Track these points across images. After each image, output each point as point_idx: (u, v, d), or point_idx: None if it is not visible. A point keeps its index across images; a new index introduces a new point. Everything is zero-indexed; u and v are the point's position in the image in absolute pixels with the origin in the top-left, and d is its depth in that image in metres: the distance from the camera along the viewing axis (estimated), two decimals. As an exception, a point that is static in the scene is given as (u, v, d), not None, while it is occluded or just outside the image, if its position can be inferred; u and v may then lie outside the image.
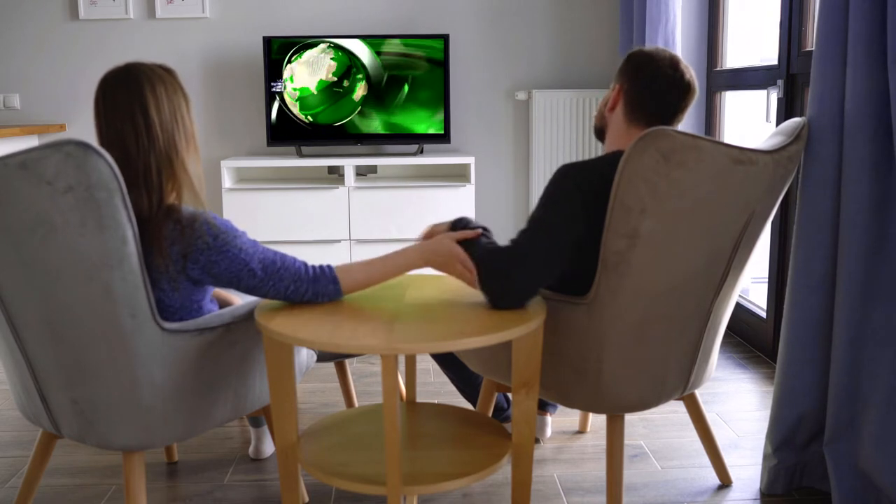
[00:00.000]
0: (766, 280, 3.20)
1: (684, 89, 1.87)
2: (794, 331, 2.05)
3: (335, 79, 3.91)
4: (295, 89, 3.90)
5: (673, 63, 1.87)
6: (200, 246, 1.70)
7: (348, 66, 3.90)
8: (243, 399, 1.92)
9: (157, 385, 1.73)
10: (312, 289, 1.77)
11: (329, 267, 1.80)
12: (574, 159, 4.11)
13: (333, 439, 1.84)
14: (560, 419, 2.62)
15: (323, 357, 2.32)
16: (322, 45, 3.88)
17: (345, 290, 1.80)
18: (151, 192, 1.71)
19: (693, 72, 1.91)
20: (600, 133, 2.01)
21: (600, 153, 1.97)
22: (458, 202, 3.84)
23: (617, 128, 1.92)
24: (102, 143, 1.74)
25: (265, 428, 2.38)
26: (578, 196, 1.77)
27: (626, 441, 2.48)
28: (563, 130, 4.09)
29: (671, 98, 1.87)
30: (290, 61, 3.89)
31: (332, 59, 3.90)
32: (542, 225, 1.76)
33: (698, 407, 2.15)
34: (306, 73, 3.90)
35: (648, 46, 1.94)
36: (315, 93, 3.91)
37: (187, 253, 1.70)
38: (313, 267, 1.79)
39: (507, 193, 4.30)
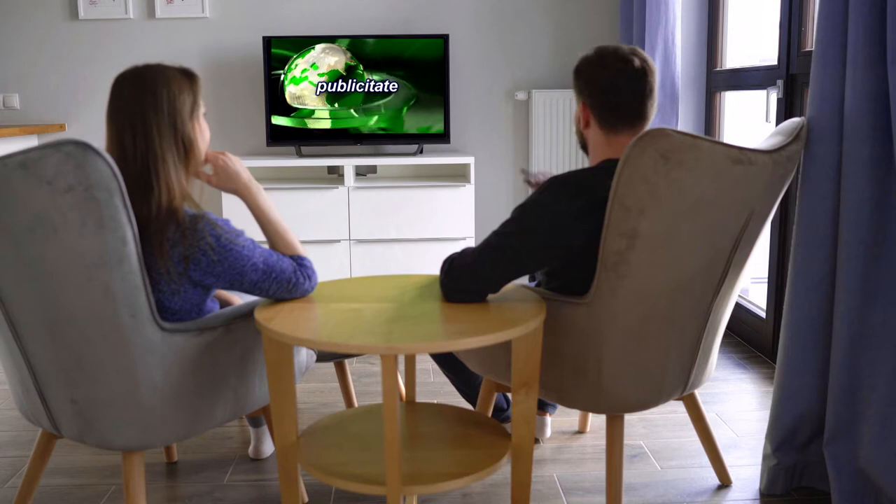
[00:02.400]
0: (766, 280, 3.20)
1: (641, 75, 1.85)
2: (793, 331, 2.05)
3: (335, 79, 3.91)
4: (304, 78, 3.90)
5: (620, 56, 1.85)
6: (203, 247, 1.70)
7: (348, 65, 3.90)
8: (243, 399, 1.92)
9: (157, 385, 1.73)
10: (304, 272, 1.83)
11: (305, 259, 1.86)
12: (573, 159, 4.11)
13: (333, 439, 1.84)
14: (560, 419, 2.62)
15: (323, 357, 2.32)
16: (322, 45, 3.88)
17: (303, 254, 1.88)
18: (149, 194, 1.71)
19: (643, 52, 1.89)
20: (584, 147, 2.00)
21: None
22: (457, 202, 3.84)
23: (598, 141, 1.91)
24: (107, 142, 1.76)
25: (264, 428, 2.38)
26: (565, 209, 1.78)
27: (626, 441, 2.48)
28: (563, 130, 4.09)
29: (634, 90, 1.85)
30: (289, 61, 3.89)
31: (332, 58, 3.89)
32: (505, 243, 1.80)
33: (698, 407, 2.15)
34: (307, 73, 3.90)
35: (591, 51, 1.91)
36: (317, 90, 3.92)
37: (189, 255, 1.70)
38: (298, 261, 1.84)
39: (506, 193, 4.30)
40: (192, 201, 1.78)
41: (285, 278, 1.78)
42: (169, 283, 1.73)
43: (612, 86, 1.86)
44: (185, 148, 1.76)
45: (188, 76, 1.79)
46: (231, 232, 1.73)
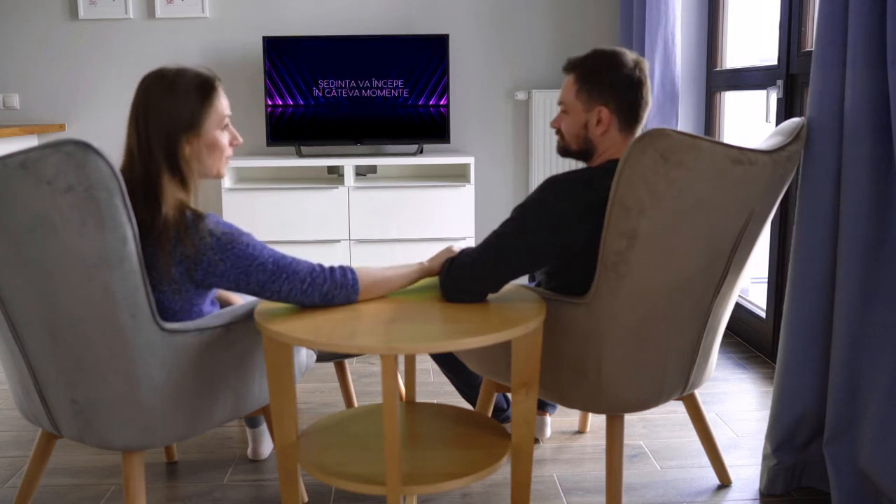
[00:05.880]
0: (766, 280, 3.21)
1: (646, 82, 1.92)
2: (793, 331, 2.05)
3: (334, 79, 3.91)
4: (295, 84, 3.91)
5: (636, 64, 1.90)
6: (204, 247, 1.70)
7: (347, 65, 3.90)
8: (243, 399, 1.92)
9: (157, 385, 1.73)
10: (332, 279, 1.76)
11: (349, 268, 1.79)
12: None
13: (333, 439, 1.84)
14: (560, 419, 2.62)
15: (322, 357, 2.32)
16: (322, 45, 3.88)
17: (362, 293, 1.80)
18: (153, 201, 1.72)
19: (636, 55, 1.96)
20: (579, 154, 1.98)
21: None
22: (457, 202, 3.84)
23: (611, 143, 1.92)
24: (125, 139, 1.79)
25: (262, 428, 2.38)
26: (565, 209, 1.78)
27: (626, 441, 2.48)
28: (563, 130, 4.08)
29: (647, 95, 1.92)
30: (289, 60, 3.89)
31: (331, 59, 3.89)
32: (505, 243, 1.80)
33: (698, 407, 2.15)
34: (305, 73, 3.90)
35: (598, 55, 1.91)
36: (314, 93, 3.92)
37: (190, 254, 1.70)
38: (329, 266, 1.78)
39: (506, 193, 4.30)
40: (194, 206, 1.78)
41: (299, 279, 1.74)
42: (170, 283, 1.73)
43: (635, 89, 1.89)
44: (180, 169, 1.76)
45: (204, 81, 1.77)
46: (233, 232, 1.73)
